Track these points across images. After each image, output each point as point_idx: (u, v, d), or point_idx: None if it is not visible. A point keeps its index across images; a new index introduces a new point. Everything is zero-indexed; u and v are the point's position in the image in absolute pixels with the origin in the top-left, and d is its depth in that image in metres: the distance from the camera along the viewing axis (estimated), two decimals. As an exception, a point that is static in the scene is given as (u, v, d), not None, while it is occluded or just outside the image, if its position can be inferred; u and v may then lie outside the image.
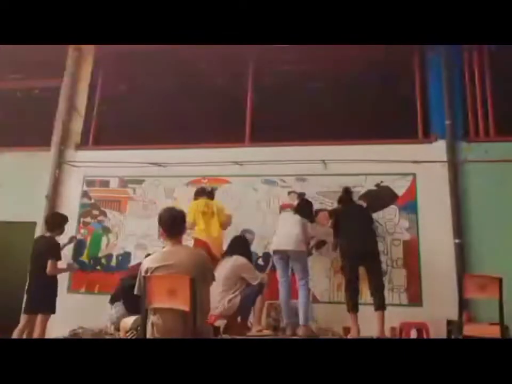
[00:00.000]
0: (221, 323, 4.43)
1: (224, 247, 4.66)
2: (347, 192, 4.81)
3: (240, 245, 4.65)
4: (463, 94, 5.31)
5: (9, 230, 5.71)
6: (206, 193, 4.88)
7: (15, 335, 4.59)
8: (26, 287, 4.79)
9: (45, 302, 4.52)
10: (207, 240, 4.57)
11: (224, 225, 4.77)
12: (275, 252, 4.49)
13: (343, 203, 4.76)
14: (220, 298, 4.23)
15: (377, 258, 4.44)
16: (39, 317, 4.54)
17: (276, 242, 4.48)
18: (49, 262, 4.52)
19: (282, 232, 4.50)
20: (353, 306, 4.27)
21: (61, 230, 4.85)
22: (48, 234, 4.79)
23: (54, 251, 4.63)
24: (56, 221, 4.83)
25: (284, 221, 4.59)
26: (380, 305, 4.21)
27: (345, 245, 4.49)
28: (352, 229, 4.47)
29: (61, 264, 4.76)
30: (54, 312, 4.56)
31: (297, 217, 4.56)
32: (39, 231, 5.52)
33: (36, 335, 4.51)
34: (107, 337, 4.11)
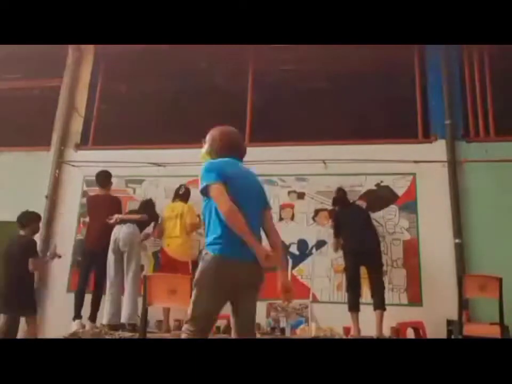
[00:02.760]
0: (221, 323, 4.45)
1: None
2: (341, 192, 4.83)
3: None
4: (463, 94, 5.31)
5: (9, 230, 5.71)
6: (178, 195, 4.94)
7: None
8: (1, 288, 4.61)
9: (25, 304, 4.43)
10: (167, 249, 4.69)
11: (190, 227, 4.75)
12: None
13: (340, 204, 4.78)
14: None
15: (378, 258, 4.44)
16: (24, 320, 4.50)
17: None
18: (31, 260, 4.46)
19: None
20: (354, 306, 4.27)
21: (35, 228, 4.80)
22: (22, 233, 4.72)
23: (34, 248, 4.58)
24: (30, 219, 4.76)
25: None
26: (380, 305, 4.22)
27: (347, 245, 4.51)
28: (353, 229, 4.48)
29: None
30: (35, 312, 4.53)
31: None
32: (39, 230, 5.52)
33: (29, 334, 4.45)
34: (107, 337, 4.11)
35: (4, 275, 4.64)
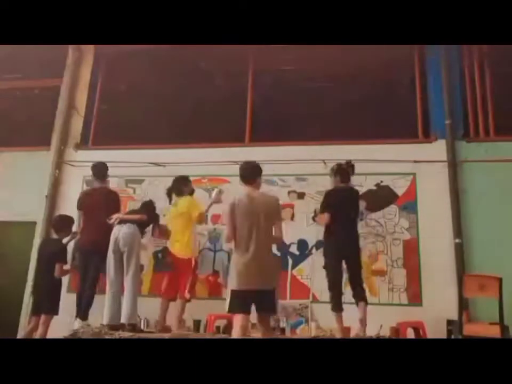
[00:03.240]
0: (220, 323, 4.45)
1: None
2: (347, 167, 4.56)
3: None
4: (463, 94, 5.30)
5: (9, 230, 5.72)
6: (182, 191, 4.85)
7: (22, 335, 4.64)
8: (32, 288, 4.84)
9: (49, 303, 4.56)
10: (173, 249, 4.67)
11: (199, 218, 4.67)
12: None
13: (340, 177, 4.50)
14: None
15: (357, 251, 4.30)
16: (42, 317, 4.57)
17: None
18: (57, 265, 4.58)
19: None
20: (336, 306, 4.13)
21: (67, 232, 4.88)
22: (55, 236, 4.85)
23: (62, 254, 4.68)
24: (63, 223, 4.88)
25: None
26: (361, 297, 4.10)
27: (329, 242, 4.34)
28: (338, 218, 4.26)
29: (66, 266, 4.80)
30: (57, 313, 4.59)
31: None
32: (39, 231, 5.54)
33: (38, 335, 4.54)
34: (107, 337, 4.11)
35: (35, 276, 4.84)
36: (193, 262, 4.60)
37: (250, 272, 3.27)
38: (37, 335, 4.55)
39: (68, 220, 4.92)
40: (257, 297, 3.25)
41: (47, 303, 4.56)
